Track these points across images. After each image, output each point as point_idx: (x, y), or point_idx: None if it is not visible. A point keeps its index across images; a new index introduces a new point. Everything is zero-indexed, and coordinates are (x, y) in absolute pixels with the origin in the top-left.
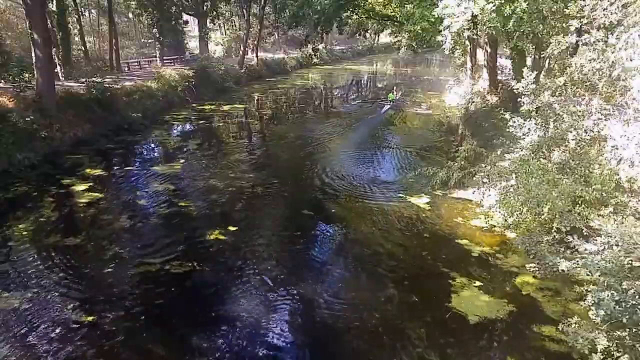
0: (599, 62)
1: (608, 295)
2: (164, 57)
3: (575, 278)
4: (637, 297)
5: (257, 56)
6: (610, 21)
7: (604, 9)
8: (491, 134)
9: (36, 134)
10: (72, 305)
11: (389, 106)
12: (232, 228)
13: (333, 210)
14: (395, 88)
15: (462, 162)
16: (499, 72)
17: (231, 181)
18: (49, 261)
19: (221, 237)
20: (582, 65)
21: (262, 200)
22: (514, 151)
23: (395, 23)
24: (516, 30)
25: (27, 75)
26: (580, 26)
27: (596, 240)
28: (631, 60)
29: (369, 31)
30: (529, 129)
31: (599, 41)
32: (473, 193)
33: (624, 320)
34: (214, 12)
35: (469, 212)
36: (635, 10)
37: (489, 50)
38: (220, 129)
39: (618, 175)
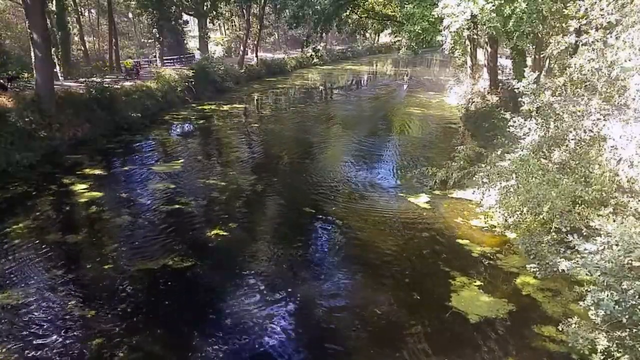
0: (598, 62)
1: (608, 295)
2: (164, 57)
3: (575, 278)
4: (636, 297)
5: (257, 56)
6: (609, 21)
7: (601, 9)
8: (491, 133)
9: (35, 133)
10: (72, 302)
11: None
12: (232, 225)
13: (333, 209)
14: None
15: (462, 162)
16: (499, 72)
17: (231, 179)
18: (50, 258)
19: (222, 234)
20: (581, 66)
21: (263, 198)
22: (514, 151)
23: (395, 23)
24: (516, 30)
25: (26, 75)
26: (580, 26)
27: (596, 240)
28: (630, 60)
29: (369, 31)
30: (529, 128)
31: (597, 41)
32: (473, 193)
33: (624, 320)
34: (214, 12)
35: (469, 212)
36: (632, 11)
37: (489, 50)
38: (220, 129)
39: (618, 175)
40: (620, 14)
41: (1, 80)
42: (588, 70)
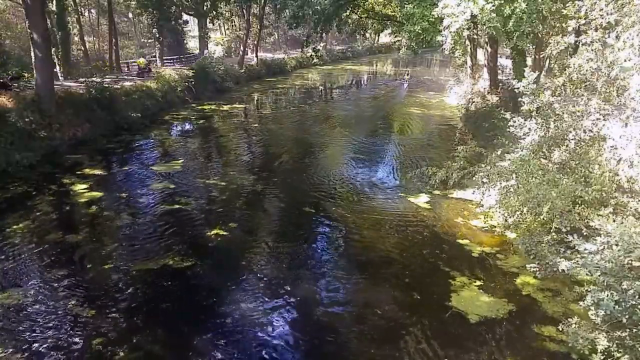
0: (597, 62)
1: (608, 295)
2: (164, 57)
3: (576, 278)
4: (636, 297)
5: (257, 56)
6: (608, 21)
7: (600, 10)
8: (491, 133)
9: (35, 133)
10: (72, 302)
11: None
12: (232, 225)
13: (333, 208)
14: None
15: (462, 162)
16: (499, 72)
17: (231, 179)
18: (50, 258)
19: (222, 234)
20: (580, 66)
21: (263, 197)
22: (514, 151)
23: (395, 23)
24: (516, 30)
25: (26, 75)
26: (579, 26)
27: (596, 240)
28: (629, 60)
29: (369, 31)
30: (529, 128)
31: (596, 41)
32: (473, 193)
33: (624, 321)
34: (214, 12)
35: (469, 212)
36: (631, 11)
37: (489, 50)
38: (220, 129)
39: (618, 175)
40: (620, 14)
41: (2, 80)
42: (587, 70)
